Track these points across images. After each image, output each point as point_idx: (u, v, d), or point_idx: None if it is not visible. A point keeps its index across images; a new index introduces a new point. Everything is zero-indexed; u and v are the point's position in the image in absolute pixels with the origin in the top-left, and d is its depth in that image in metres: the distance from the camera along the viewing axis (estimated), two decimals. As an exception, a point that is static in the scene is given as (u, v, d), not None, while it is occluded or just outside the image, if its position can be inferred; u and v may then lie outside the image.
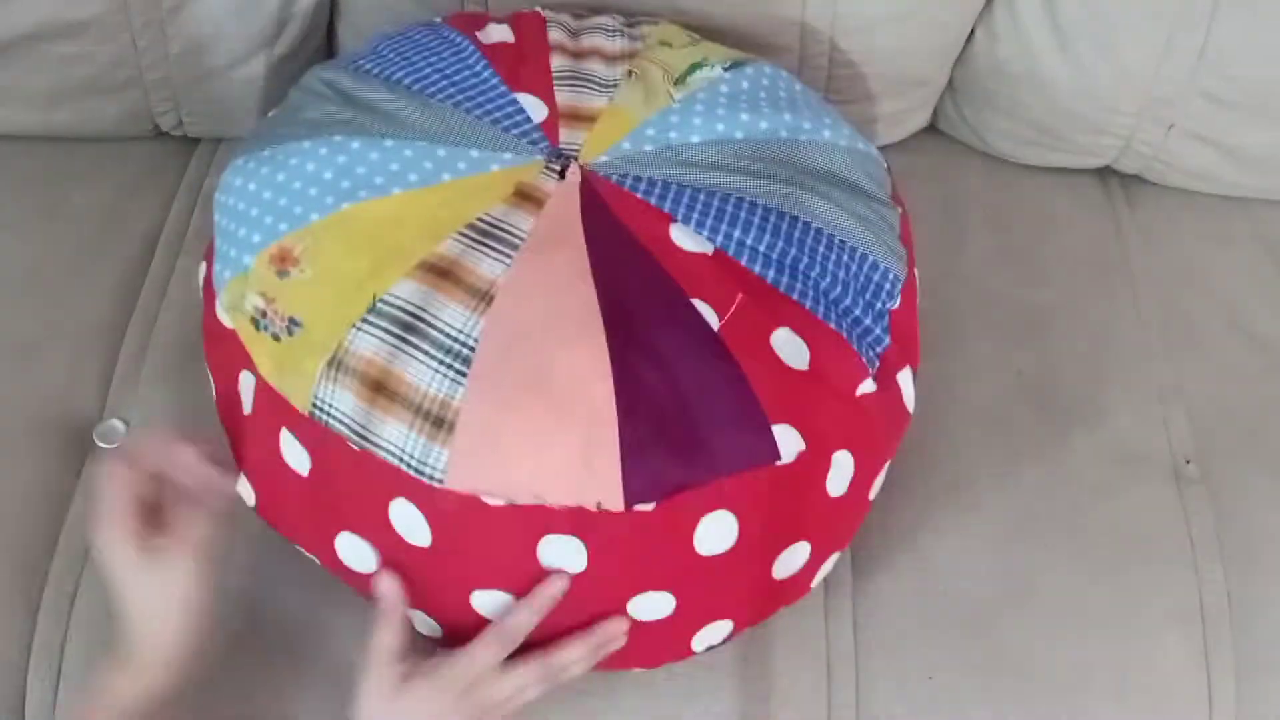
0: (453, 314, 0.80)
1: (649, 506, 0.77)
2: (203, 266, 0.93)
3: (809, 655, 0.91)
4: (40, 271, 1.08)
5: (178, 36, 1.09)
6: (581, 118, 0.93)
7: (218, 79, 1.13)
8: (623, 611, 0.81)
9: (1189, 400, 1.05)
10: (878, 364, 0.86)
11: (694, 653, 0.86)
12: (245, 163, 0.89)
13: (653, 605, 0.81)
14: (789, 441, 0.79)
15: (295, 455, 0.82)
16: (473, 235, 0.84)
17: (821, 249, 0.87)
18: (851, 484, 0.83)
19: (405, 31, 0.99)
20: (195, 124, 1.17)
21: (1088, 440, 0.95)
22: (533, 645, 0.80)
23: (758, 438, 0.79)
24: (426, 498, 0.78)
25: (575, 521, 0.77)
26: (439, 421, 0.77)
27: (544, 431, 0.77)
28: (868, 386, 0.85)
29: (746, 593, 0.84)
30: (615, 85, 0.95)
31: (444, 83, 0.93)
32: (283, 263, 0.83)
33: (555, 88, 0.94)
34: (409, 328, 0.79)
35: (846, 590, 0.95)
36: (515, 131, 0.91)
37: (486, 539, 0.78)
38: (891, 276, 0.89)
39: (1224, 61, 1.09)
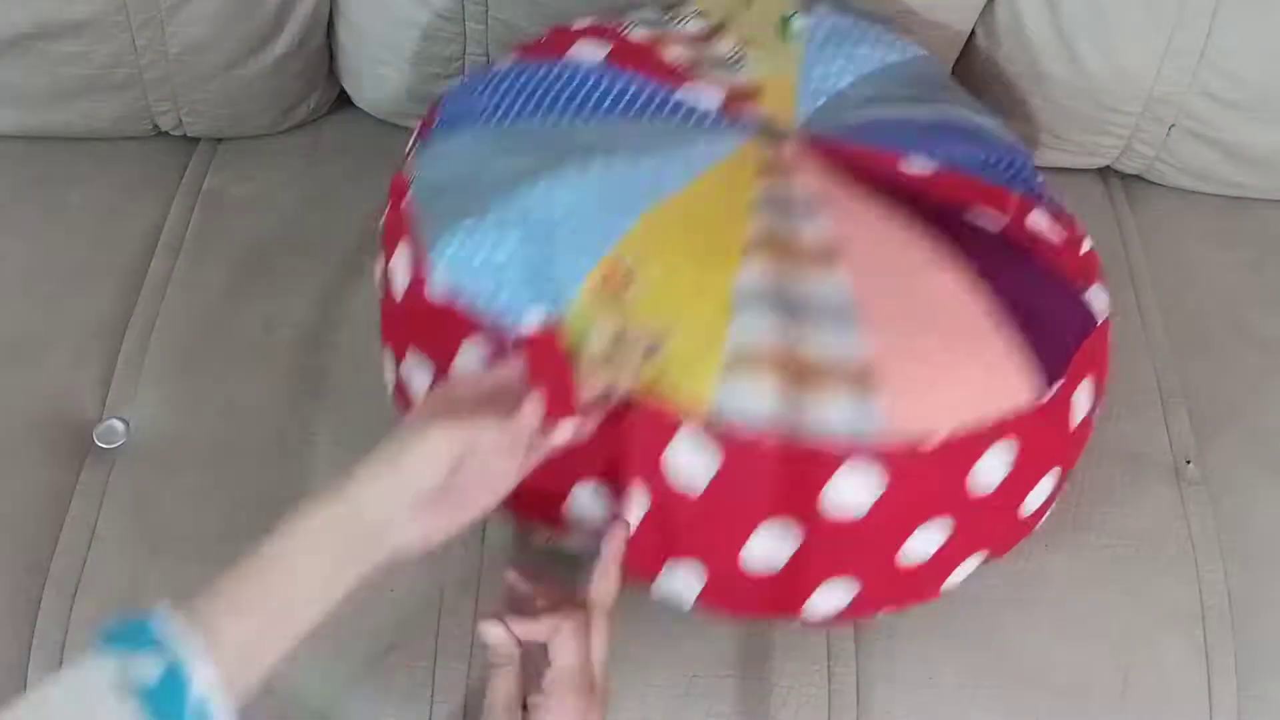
0: (818, 280, 0.81)
1: (1056, 389, 0.82)
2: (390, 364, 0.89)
3: (809, 655, 0.91)
4: (40, 271, 1.08)
5: (177, 36, 1.09)
6: (746, 95, 0.94)
7: (217, 79, 1.13)
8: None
9: (1189, 400, 1.05)
10: (1076, 223, 0.94)
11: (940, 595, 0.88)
12: (472, 230, 0.83)
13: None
14: (1099, 302, 0.88)
15: (692, 467, 0.78)
16: (770, 208, 0.85)
17: (990, 142, 0.94)
18: (1090, 411, 0.88)
19: (505, 74, 0.93)
20: (195, 124, 1.17)
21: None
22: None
23: (1079, 308, 0.87)
24: (873, 457, 0.77)
25: (1005, 429, 0.80)
26: (860, 380, 0.78)
27: (953, 356, 0.80)
28: (1087, 244, 0.93)
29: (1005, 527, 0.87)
30: (741, 58, 0.96)
31: (610, 100, 0.91)
32: (616, 284, 0.80)
33: (701, 76, 0.94)
34: (788, 306, 0.80)
35: (847, 590, 0.94)
36: (708, 123, 0.91)
37: (926, 477, 0.79)
38: (1021, 149, 0.98)
39: (1225, 61, 1.09)
